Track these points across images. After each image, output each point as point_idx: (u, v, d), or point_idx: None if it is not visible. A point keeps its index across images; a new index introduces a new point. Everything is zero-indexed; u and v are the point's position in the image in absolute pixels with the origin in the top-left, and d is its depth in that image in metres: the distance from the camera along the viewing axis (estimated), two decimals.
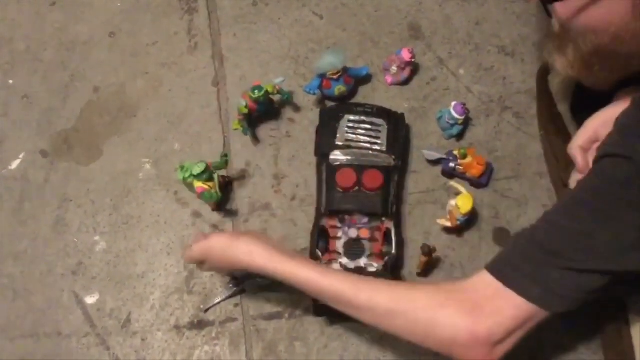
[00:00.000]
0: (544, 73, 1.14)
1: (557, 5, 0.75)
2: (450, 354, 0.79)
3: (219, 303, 1.06)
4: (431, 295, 0.80)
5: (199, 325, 1.06)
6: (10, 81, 1.24)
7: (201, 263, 0.95)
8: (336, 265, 1.00)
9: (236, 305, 1.06)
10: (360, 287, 0.82)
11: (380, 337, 1.03)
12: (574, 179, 0.88)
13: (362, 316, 0.83)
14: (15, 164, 1.17)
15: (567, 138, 1.07)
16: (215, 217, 1.12)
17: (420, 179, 1.13)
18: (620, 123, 0.76)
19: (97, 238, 1.12)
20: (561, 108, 1.10)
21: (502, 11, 1.25)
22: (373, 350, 1.03)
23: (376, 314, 0.81)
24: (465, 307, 0.76)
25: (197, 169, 1.02)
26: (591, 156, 0.84)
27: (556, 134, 1.09)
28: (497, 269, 0.77)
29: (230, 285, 1.06)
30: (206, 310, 1.06)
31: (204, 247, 0.92)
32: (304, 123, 1.17)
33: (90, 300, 1.08)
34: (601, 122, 0.83)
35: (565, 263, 0.73)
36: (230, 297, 1.06)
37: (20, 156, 1.18)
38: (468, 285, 0.79)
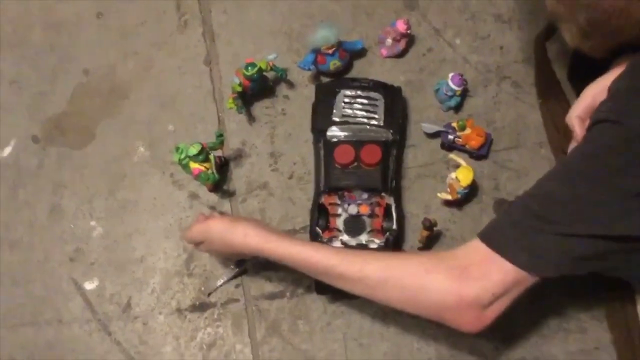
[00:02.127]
0: (542, 40, 1.12)
1: None
2: (441, 319, 0.80)
3: (221, 285, 1.05)
4: (420, 262, 0.80)
5: (200, 307, 1.05)
6: None
7: (199, 243, 0.95)
8: (337, 243, 0.99)
9: (237, 286, 1.06)
10: (351, 259, 0.83)
11: (384, 313, 1.02)
12: (573, 148, 0.86)
13: (355, 288, 0.83)
14: (6, 151, 1.16)
15: (566, 105, 1.06)
16: (213, 198, 1.11)
17: (419, 153, 1.12)
18: (612, 89, 0.77)
19: (93, 223, 1.10)
20: (559, 75, 1.08)
21: None
22: (375, 326, 1.02)
23: (368, 284, 0.82)
24: (454, 273, 0.77)
25: (193, 150, 1.00)
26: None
27: (555, 101, 1.08)
28: (488, 236, 0.78)
29: (232, 267, 1.05)
30: (209, 294, 1.05)
31: (202, 228, 0.93)
32: (299, 100, 1.15)
33: (89, 286, 1.07)
34: (598, 91, 0.82)
35: (553, 228, 0.74)
36: (232, 278, 1.05)
37: (12, 143, 1.16)
38: (459, 252, 0.80)
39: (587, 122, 0.86)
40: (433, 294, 0.78)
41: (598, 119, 0.75)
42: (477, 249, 0.78)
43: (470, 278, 0.76)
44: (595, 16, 0.78)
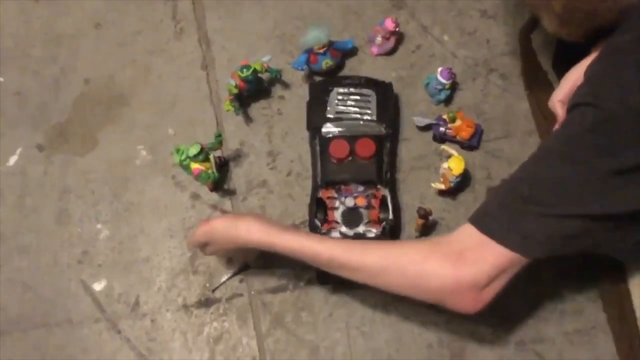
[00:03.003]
0: (527, 32, 1.16)
1: None
2: (441, 303, 0.83)
3: (225, 281, 1.08)
4: (418, 249, 0.84)
5: (206, 303, 1.08)
6: (1, 79, 1.25)
7: (204, 246, 0.98)
8: (335, 234, 1.03)
9: (241, 281, 1.09)
10: (352, 248, 0.86)
11: (385, 302, 1.06)
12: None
13: (356, 276, 0.87)
14: (12, 160, 1.19)
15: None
16: (214, 197, 1.14)
17: (412, 146, 1.15)
18: (588, 73, 0.80)
19: (99, 226, 1.14)
20: (544, 65, 1.12)
21: None
22: (377, 314, 1.05)
23: (368, 272, 0.85)
24: (450, 258, 0.80)
25: (193, 151, 1.04)
26: None
27: (542, 90, 1.11)
28: (478, 220, 0.81)
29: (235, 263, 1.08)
30: (214, 290, 1.08)
31: (206, 229, 0.95)
32: (294, 99, 1.19)
33: (97, 287, 1.10)
34: (578, 75, 0.85)
35: (540, 209, 0.77)
36: (235, 274, 1.08)
37: (17, 152, 1.19)
38: (452, 238, 0.83)
39: None
40: (432, 280, 0.81)
41: (575, 103, 0.78)
42: (470, 234, 0.81)
43: (466, 263, 0.79)
44: (570, 2, 0.82)
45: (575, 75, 0.88)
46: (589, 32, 0.85)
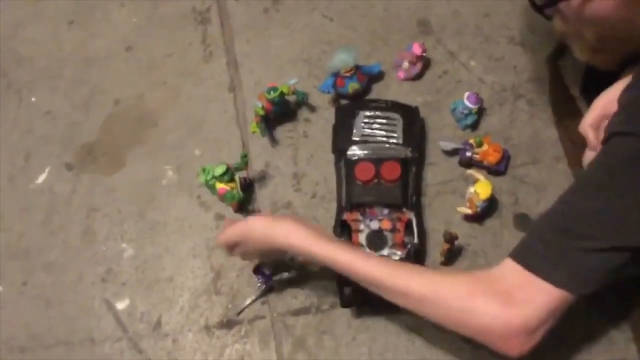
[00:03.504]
0: (555, 58, 1.15)
1: (561, 5, 0.81)
2: (485, 341, 0.80)
3: (250, 304, 1.08)
4: (464, 284, 0.80)
5: (228, 324, 1.07)
6: (33, 99, 1.28)
7: (233, 247, 0.96)
8: None
9: (263, 303, 1.08)
10: (398, 272, 0.84)
11: (409, 327, 1.04)
12: (588, 157, 0.89)
13: (398, 300, 0.84)
14: (41, 178, 1.21)
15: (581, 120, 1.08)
16: (238, 218, 1.14)
17: (438, 171, 1.14)
18: (623, 100, 0.79)
19: (124, 245, 1.14)
20: (573, 92, 1.11)
21: (509, 2, 1.26)
22: (401, 340, 1.03)
23: (413, 299, 0.82)
24: (498, 297, 0.77)
25: (219, 170, 1.05)
26: (602, 133, 0.86)
27: (570, 117, 1.10)
28: (521, 256, 0.78)
29: (258, 285, 1.07)
30: (239, 313, 1.07)
31: (242, 227, 0.93)
32: (320, 122, 1.20)
33: (120, 305, 1.10)
34: (608, 100, 0.85)
35: (584, 244, 0.75)
36: (260, 296, 1.08)
37: (46, 170, 1.21)
38: (497, 274, 0.80)
39: (600, 131, 0.89)
40: (479, 318, 0.78)
41: (612, 132, 0.77)
42: (515, 271, 0.78)
43: (516, 304, 0.76)
44: (602, 30, 0.82)
45: (605, 101, 0.87)
46: (623, 58, 0.84)
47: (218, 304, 1.09)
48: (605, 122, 0.86)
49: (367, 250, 1.02)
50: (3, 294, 1.13)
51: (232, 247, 0.97)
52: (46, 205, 1.18)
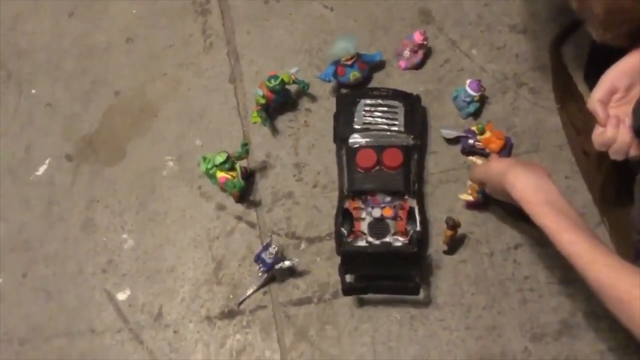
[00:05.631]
0: (557, 45, 1.14)
1: None
2: None
3: (251, 294, 1.07)
4: None
5: (229, 314, 1.06)
6: (33, 90, 1.27)
7: (483, 184, 0.99)
8: (362, 242, 1.01)
9: (265, 293, 1.07)
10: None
11: (411, 316, 1.03)
12: (597, 134, 0.87)
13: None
14: (42, 170, 1.20)
15: (584, 107, 1.07)
16: (239, 208, 1.13)
17: (440, 159, 1.14)
18: None
19: (125, 236, 1.14)
20: (575, 78, 1.10)
21: None
22: (403, 329, 1.02)
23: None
24: None
25: (219, 159, 1.04)
26: (611, 109, 0.85)
27: (573, 104, 1.10)
28: None
29: (260, 274, 1.06)
30: (239, 304, 1.07)
31: (484, 169, 0.97)
32: (321, 112, 1.19)
33: (121, 296, 1.09)
34: (618, 74, 0.84)
35: None
36: (261, 286, 1.07)
37: (47, 162, 1.21)
38: None
39: (611, 106, 0.87)
40: None
41: None
42: None
43: None
44: (611, 5, 0.80)
45: (614, 74, 0.85)
46: (632, 34, 0.83)
47: (219, 294, 1.08)
48: (616, 97, 0.85)
49: (370, 238, 1.02)
50: (3, 285, 1.13)
51: (482, 184, 1.00)
52: (46, 196, 1.18)
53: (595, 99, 0.87)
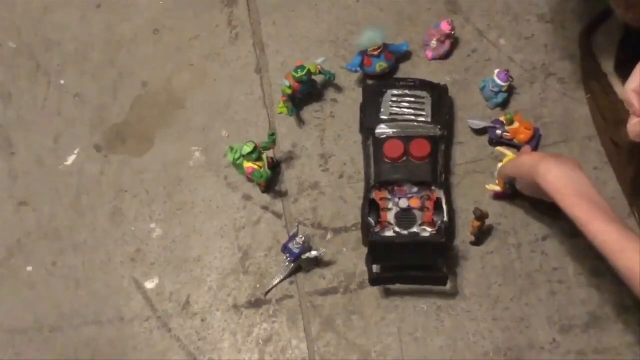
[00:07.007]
0: (586, 35, 1.13)
1: None
2: None
3: (278, 284, 1.07)
4: None
5: (256, 303, 1.07)
6: (62, 81, 1.28)
7: (513, 179, 0.98)
8: (389, 232, 1.01)
9: (291, 282, 1.08)
10: None
11: (438, 307, 1.03)
12: (632, 124, 0.85)
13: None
14: (71, 160, 1.22)
15: (614, 98, 1.06)
16: (266, 199, 1.14)
17: (467, 150, 1.13)
18: None
19: (153, 225, 1.15)
20: (605, 68, 1.09)
21: None
22: (430, 320, 1.02)
23: None
24: None
25: (247, 149, 1.04)
26: None
27: (603, 94, 1.08)
28: None
29: (286, 264, 1.07)
30: (266, 293, 1.07)
31: (514, 162, 0.96)
32: (347, 103, 1.19)
33: (149, 285, 1.11)
34: None
35: None
36: (288, 276, 1.07)
37: (76, 152, 1.22)
38: None
39: None
40: None
41: None
42: None
43: None
44: None
45: None
46: None
47: (246, 283, 1.09)
48: None
49: (397, 229, 1.01)
50: (33, 274, 1.14)
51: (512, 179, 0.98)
52: (76, 186, 1.19)
53: (629, 88, 0.85)
